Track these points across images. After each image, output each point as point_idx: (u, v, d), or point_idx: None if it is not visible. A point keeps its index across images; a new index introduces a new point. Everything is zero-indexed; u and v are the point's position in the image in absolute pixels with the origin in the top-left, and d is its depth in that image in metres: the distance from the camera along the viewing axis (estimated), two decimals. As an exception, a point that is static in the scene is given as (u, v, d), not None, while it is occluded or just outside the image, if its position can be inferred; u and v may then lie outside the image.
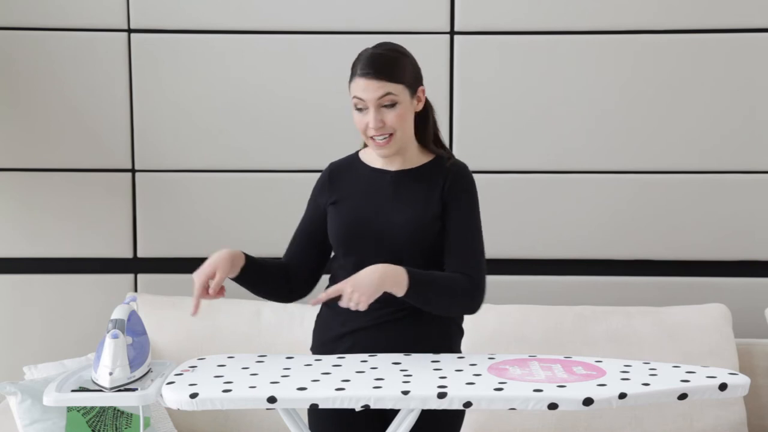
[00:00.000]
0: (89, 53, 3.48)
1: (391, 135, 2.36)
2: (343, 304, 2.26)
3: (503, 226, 3.49)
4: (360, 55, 2.39)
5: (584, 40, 3.45)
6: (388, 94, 2.33)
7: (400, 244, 2.37)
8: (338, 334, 2.44)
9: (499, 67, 3.46)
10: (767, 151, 3.47)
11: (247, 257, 2.42)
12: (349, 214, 2.44)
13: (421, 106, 2.43)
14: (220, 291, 2.36)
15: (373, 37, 3.36)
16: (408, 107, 2.38)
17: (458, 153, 3.42)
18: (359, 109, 2.37)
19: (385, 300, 2.33)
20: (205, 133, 3.52)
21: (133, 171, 3.54)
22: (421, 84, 2.43)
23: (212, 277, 2.34)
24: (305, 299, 2.54)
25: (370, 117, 2.34)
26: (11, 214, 3.55)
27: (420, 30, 3.43)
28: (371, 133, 2.36)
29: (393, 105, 2.34)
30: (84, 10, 3.47)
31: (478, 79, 3.46)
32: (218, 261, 2.35)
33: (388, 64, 2.35)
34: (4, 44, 3.47)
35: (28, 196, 3.55)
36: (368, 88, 2.33)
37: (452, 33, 3.46)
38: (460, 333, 2.51)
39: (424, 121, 2.47)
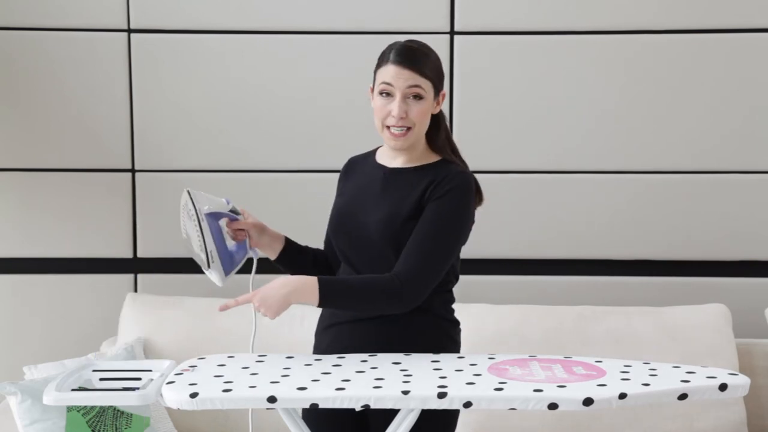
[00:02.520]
0: (89, 53, 3.48)
1: (409, 129, 2.35)
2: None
3: (503, 226, 3.49)
4: (392, 45, 2.38)
5: (584, 40, 3.45)
6: (417, 86, 2.33)
7: (373, 241, 2.37)
8: (326, 325, 2.48)
9: (499, 67, 3.46)
10: (767, 151, 3.47)
11: (288, 241, 2.53)
12: (340, 208, 2.48)
13: (438, 109, 2.42)
14: (241, 233, 2.48)
15: (373, 37, 3.40)
16: (430, 105, 2.37)
17: (458, 153, 3.43)
18: (384, 95, 2.34)
19: None
20: (205, 133, 3.52)
21: (133, 171, 3.54)
22: (443, 88, 2.43)
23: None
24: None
25: (394, 105, 2.33)
26: (11, 214, 3.55)
27: (420, 30, 3.43)
28: (391, 122, 2.34)
29: (419, 98, 2.34)
30: (84, 10, 3.47)
31: (478, 79, 3.47)
32: (249, 223, 2.48)
33: (422, 57, 2.35)
34: (4, 44, 3.47)
35: (28, 196, 3.55)
36: (400, 76, 2.32)
37: (452, 33, 3.46)
38: (451, 330, 2.47)
39: (435, 126, 2.45)
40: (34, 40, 3.48)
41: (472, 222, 2.43)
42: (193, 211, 2.40)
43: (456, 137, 3.47)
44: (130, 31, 3.48)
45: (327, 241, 2.58)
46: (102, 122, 3.52)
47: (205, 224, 2.40)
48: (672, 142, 3.47)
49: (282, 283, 2.27)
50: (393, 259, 2.35)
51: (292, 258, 2.54)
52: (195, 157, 3.53)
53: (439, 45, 3.43)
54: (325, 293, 2.26)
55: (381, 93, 2.35)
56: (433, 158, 2.44)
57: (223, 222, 2.47)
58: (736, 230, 3.50)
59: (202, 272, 2.53)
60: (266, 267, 3.50)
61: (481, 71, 3.46)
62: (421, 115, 2.35)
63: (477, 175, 2.50)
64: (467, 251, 3.15)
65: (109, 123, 3.52)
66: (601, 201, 3.50)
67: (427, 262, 2.31)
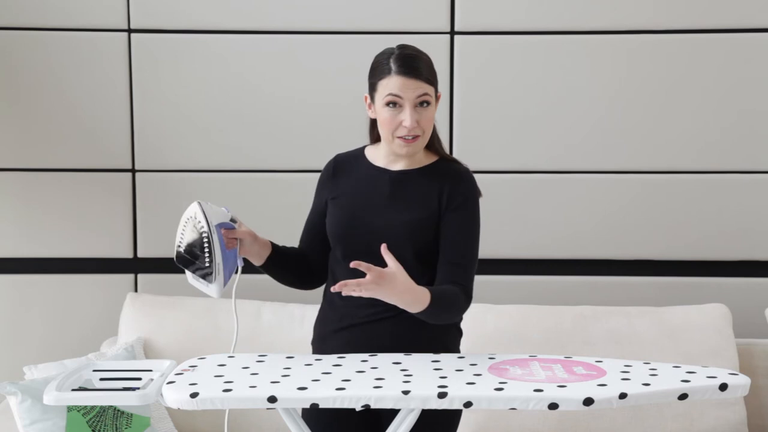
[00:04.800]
0: (89, 53, 3.48)
1: (418, 135, 2.38)
2: (348, 287, 2.20)
3: (503, 226, 3.49)
4: (388, 53, 2.39)
5: (584, 40, 3.45)
6: (425, 93, 2.36)
7: (394, 246, 2.35)
8: (335, 328, 2.46)
9: (499, 67, 3.46)
10: (767, 151, 3.47)
11: (274, 247, 2.50)
12: (346, 212, 2.46)
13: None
14: (233, 241, 2.43)
15: (372, 37, 3.40)
16: (434, 110, 2.41)
17: (458, 153, 3.43)
18: (392, 106, 2.36)
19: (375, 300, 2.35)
20: (205, 133, 3.52)
21: (133, 171, 3.54)
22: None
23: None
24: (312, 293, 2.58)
25: (406, 116, 2.35)
26: (11, 214, 3.55)
27: (420, 30, 3.43)
28: (403, 132, 2.37)
29: (427, 105, 2.37)
30: (84, 10, 3.47)
31: (478, 79, 3.47)
32: (245, 232, 2.44)
33: (421, 64, 2.37)
34: (4, 44, 3.47)
35: (28, 196, 3.55)
36: (408, 87, 2.34)
37: (452, 33, 3.46)
38: (459, 333, 2.52)
39: None
40: (35, 40, 3.48)
41: None
42: (204, 224, 2.36)
43: (456, 137, 3.49)
44: (130, 31, 3.48)
45: (307, 243, 2.56)
46: (102, 122, 3.51)
47: (215, 237, 2.37)
48: (672, 142, 3.47)
49: (407, 281, 2.24)
50: (411, 261, 2.37)
51: (277, 263, 2.52)
52: (195, 157, 3.53)
53: (439, 45, 3.45)
54: (431, 304, 2.27)
55: (388, 104, 2.36)
56: (431, 158, 2.48)
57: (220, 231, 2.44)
58: (736, 230, 3.50)
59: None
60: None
61: (481, 71, 3.46)
62: (429, 121, 2.40)
63: (477, 176, 2.51)
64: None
65: (109, 123, 3.52)
66: (601, 201, 3.50)
67: (474, 269, 2.45)
